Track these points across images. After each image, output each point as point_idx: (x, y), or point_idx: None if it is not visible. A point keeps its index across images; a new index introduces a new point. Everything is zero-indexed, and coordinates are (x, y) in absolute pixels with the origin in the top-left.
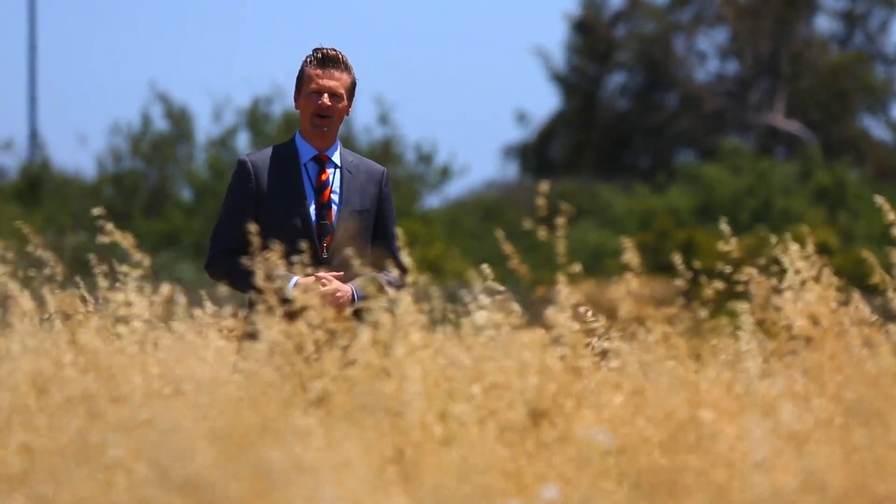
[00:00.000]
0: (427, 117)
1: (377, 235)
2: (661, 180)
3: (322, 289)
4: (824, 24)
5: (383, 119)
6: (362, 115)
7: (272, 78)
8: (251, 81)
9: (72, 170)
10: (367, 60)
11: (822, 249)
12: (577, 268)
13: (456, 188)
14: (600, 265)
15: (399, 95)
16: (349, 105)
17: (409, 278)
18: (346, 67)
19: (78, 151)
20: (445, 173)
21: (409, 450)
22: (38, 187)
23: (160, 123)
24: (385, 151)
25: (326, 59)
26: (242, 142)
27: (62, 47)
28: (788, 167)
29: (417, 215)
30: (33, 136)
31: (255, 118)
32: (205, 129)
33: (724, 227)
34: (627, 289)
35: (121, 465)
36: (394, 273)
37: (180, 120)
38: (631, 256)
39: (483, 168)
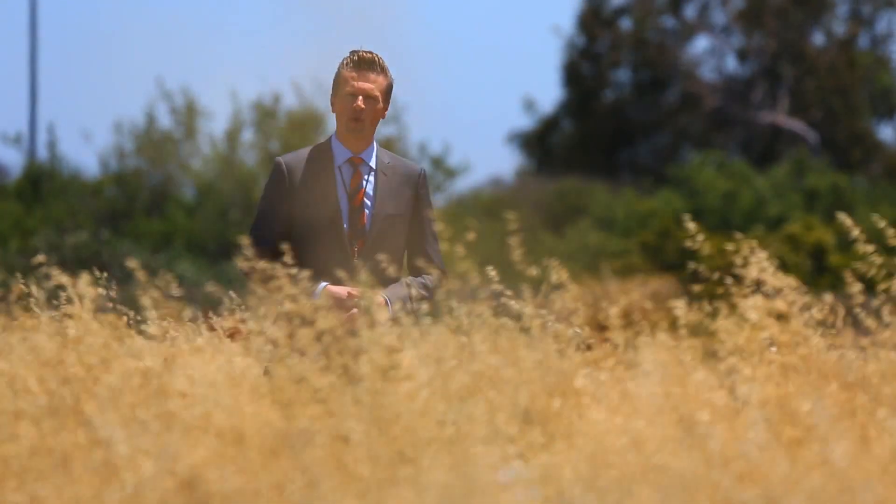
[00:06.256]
0: (429, 108)
1: (414, 237)
2: (647, 185)
3: (351, 308)
4: (830, 23)
5: (394, 119)
6: None
7: (278, 76)
8: (260, 80)
9: (75, 168)
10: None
11: (818, 249)
12: (534, 272)
13: (458, 186)
14: (600, 266)
15: (403, 86)
16: (385, 108)
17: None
18: (382, 70)
19: (81, 149)
20: (452, 174)
21: (413, 450)
22: (39, 185)
23: (165, 120)
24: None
25: (362, 62)
26: (248, 139)
27: (65, 43)
28: (778, 171)
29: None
30: (32, 132)
31: (262, 115)
32: (211, 125)
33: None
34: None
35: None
36: (431, 276)
37: (187, 115)
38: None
39: (488, 163)
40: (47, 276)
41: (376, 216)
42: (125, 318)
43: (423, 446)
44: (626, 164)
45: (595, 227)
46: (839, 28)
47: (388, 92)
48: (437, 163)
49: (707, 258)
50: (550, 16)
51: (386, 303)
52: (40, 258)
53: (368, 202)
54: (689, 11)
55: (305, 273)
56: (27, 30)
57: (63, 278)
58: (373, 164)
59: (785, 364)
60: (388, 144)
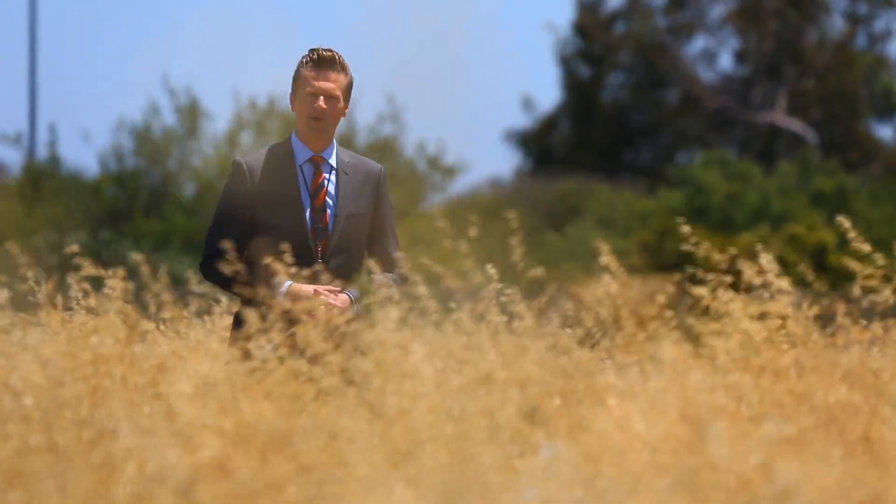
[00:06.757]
0: (429, 106)
1: (375, 234)
2: (644, 186)
3: (317, 303)
4: (828, 23)
5: (392, 119)
6: (367, 113)
7: (278, 76)
8: (257, 79)
9: (74, 168)
10: (373, 54)
11: (819, 249)
12: (539, 271)
13: (457, 186)
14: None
15: (400, 83)
16: (346, 106)
17: (407, 275)
18: (343, 68)
19: (81, 149)
20: (450, 173)
21: (415, 447)
22: (39, 185)
23: (169, 117)
24: (386, 150)
25: (322, 61)
26: (248, 139)
27: (65, 42)
28: (783, 165)
29: (422, 215)
30: (32, 132)
31: (259, 116)
32: (213, 125)
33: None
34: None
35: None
36: (394, 272)
37: (189, 115)
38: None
39: (486, 163)
40: (78, 268)
41: (339, 216)
42: (136, 316)
43: (425, 444)
44: (627, 164)
45: (595, 226)
46: (836, 28)
47: (348, 90)
48: (434, 162)
49: (705, 259)
50: (549, 13)
51: (351, 301)
52: (74, 248)
53: (330, 202)
54: (687, 12)
55: (272, 272)
56: (27, 30)
57: (93, 270)
58: (333, 162)
59: (783, 363)
60: (386, 144)
